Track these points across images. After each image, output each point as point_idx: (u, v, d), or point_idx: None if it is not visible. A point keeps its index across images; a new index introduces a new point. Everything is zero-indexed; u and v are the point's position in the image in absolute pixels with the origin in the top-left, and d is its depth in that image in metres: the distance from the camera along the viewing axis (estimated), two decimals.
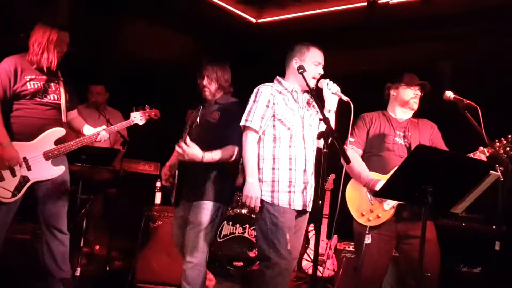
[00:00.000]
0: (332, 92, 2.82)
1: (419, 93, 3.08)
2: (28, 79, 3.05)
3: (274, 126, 2.84)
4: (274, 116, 2.83)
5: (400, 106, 3.13)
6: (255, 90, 2.90)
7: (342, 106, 2.83)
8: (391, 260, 3.06)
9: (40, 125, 3.08)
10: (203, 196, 3.04)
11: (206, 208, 3.02)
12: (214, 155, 2.97)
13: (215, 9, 5.40)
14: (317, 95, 2.77)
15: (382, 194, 2.66)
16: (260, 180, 2.80)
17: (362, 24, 4.93)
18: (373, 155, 3.06)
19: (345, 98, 2.76)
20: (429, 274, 2.79)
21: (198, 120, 3.19)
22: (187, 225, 3.08)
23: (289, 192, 2.80)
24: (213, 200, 3.04)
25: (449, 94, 2.93)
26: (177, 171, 3.19)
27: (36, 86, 3.07)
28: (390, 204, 2.90)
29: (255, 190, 2.76)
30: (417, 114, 3.18)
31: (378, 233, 2.92)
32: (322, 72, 2.90)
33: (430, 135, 3.10)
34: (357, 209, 3.00)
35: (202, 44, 5.83)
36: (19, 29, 3.50)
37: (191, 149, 2.91)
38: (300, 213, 2.87)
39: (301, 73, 2.75)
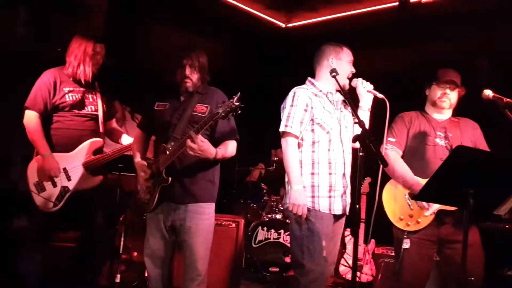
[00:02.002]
0: (367, 90, 2.80)
1: (448, 91, 2.95)
2: (66, 91, 3.14)
3: (313, 130, 2.77)
4: (312, 120, 2.77)
5: (432, 106, 3.04)
6: (291, 93, 2.83)
7: (376, 104, 2.80)
8: (433, 265, 2.98)
9: (78, 136, 3.16)
10: (201, 198, 2.77)
11: (208, 213, 2.79)
12: (224, 152, 2.74)
13: (245, 15, 5.45)
14: (350, 94, 2.74)
15: (422, 197, 2.60)
16: None
17: (394, 24, 4.87)
18: (412, 157, 2.97)
19: (380, 96, 2.73)
20: (472, 279, 2.70)
21: (178, 113, 2.81)
22: (172, 231, 2.79)
23: (330, 197, 2.75)
24: (212, 201, 2.83)
25: (488, 92, 2.83)
26: (164, 170, 2.73)
27: (74, 98, 3.15)
28: (431, 210, 2.81)
29: (302, 197, 2.69)
30: (457, 114, 3.07)
31: (419, 237, 2.84)
32: (354, 70, 2.88)
33: (472, 135, 2.98)
34: (394, 213, 2.93)
35: (232, 50, 5.88)
36: (56, 43, 3.60)
37: (206, 145, 2.61)
38: (337, 217, 2.83)
39: (334, 77, 2.71)
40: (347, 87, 2.83)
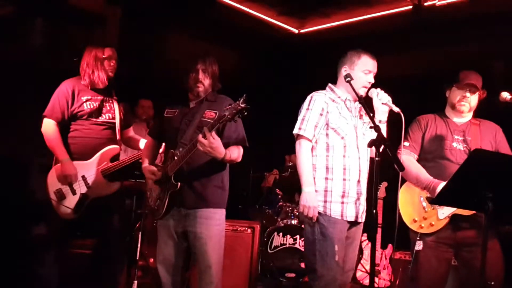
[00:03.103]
0: (382, 103, 2.74)
1: (468, 95, 2.90)
2: (84, 100, 3.18)
3: (327, 134, 2.78)
4: (327, 124, 2.78)
5: (451, 109, 3.00)
6: (308, 97, 2.86)
7: (392, 116, 2.75)
8: (451, 269, 2.94)
9: (96, 144, 3.19)
10: (211, 203, 2.76)
11: (218, 218, 2.78)
12: (232, 155, 2.70)
13: (257, 22, 5.48)
14: (367, 104, 2.70)
15: (440, 201, 2.58)
16: None
17: (409, 28, 4.85)
18: (428, 161, 2.93)
19: (396, 109, 2.67)
20: (492, 283, 2.66)
21: (187, 119, 2.82)
22: (184, 238, 2.78)
23: (342, 203, 2.74)
24: (222, 207, 2.81)
25: (505, 95, 2.79)
26: (173, 175, 2.72)
27: (92, 106, 3.20)
28: (445, 214, 2.79)
29: (312, 199, 2.70)
30: (477, 116, 3.00)
31: (436, 241, 2.81)
32: (372, 81, 2.82)
33: (493, 139, 2.92)
34: (409, 215, 2.89)
35: (245, 57, 5.91)
36: (73, 53, 3.66)
37: (217, 143, 2.57)
38: (352, 224, 2.81)
39: (348, 82, 2.72)
40: (361, 96, 2.78)
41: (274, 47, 5.85)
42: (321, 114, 2.78)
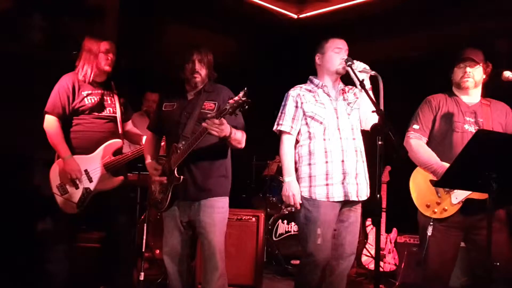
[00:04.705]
0: (359, 71, 2.76)
1: (469, 69, 2.83)
2: (85, 95, 3.16)
3: (307, 124, 2.88)
4: (305, 114, 2.87)
5: (458, 88, 2.94)
6: (286, 94, 2.97)
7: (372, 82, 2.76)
8: (458, 253, 2.91)
9: (98, 138, 3.19)
10: (214, 193, 2.81)
11: (222, 206, 2.83)
12: (236, 134, 2.72)
13: (255, 8, 5.42)
14: (344, 78, 2.77)
15: (443, 183, 2.56)
16: (299, 178, 2.86)
17: (410, 9, 4.77)
18: (439, 144, 2.87)
19: (372, 72, 2.70)
20: (498, 264, 2.65)
21: (187, 112, 2.83)
22: (189, 227, 2.84)
23: (326, 185, 2.79)
24: (225, 195, 2.86)
25: (508, 74, 2.77)
26: (176, 168, 2.77)
27: (93, 101, 3.18)
28: (458, 199, 2.75)
29: (292, 188, 2.82)
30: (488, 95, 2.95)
31: (446, 225, 2.78)
32: (345, 57, 2.85)
33: (504, 120, 2.86)
34: (421, 200, 2.85)
35: (244, 44, 5.86)
36: (72, 46, 3.63)
37: (225, 126, 2.60)
38: (347, 204, 2.84)
39: (350, 66, 2.75)
40: (341, 72, 2.88)
41: (273, 33, 5.79)
42: (296, 107, 2.90)
